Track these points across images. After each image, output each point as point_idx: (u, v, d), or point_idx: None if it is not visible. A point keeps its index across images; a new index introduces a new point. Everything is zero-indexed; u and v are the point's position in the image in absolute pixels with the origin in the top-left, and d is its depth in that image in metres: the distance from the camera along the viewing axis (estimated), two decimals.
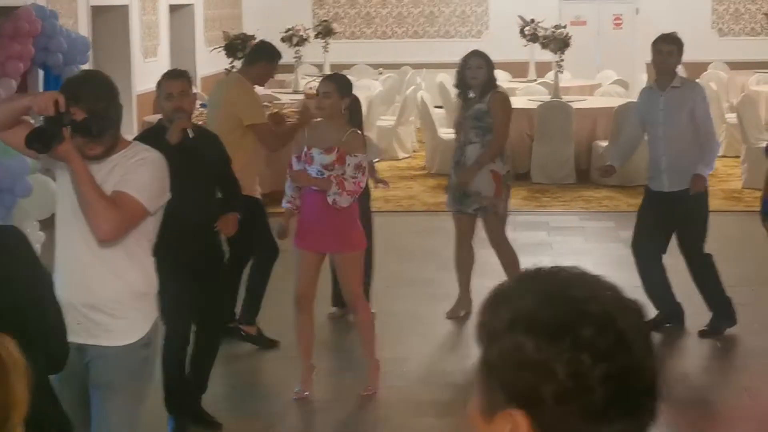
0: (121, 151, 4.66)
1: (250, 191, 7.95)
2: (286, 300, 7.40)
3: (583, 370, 1.54)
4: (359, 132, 7.20)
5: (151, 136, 6.59)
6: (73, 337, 4.23)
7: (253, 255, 8.26)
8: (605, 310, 1.58)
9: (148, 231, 4.73)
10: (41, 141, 4.35)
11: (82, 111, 4.49)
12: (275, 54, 8.60)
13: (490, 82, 8.78)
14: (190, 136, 6.44)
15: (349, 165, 6.93)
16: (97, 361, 4.67)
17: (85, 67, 12.85)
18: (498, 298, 1.65)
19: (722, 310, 8.45)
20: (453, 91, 17.36)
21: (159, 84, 6.65)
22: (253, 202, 7.97)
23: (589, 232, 12.06)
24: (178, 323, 6.54)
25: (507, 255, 8.91)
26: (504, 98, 8.90)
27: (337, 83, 7.08)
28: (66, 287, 4.57)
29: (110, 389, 4.67)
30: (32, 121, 4.72)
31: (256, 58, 8.54)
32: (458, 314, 8.99)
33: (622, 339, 1.57)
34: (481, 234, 9.02)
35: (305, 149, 7.03)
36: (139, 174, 4.60)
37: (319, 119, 7.14)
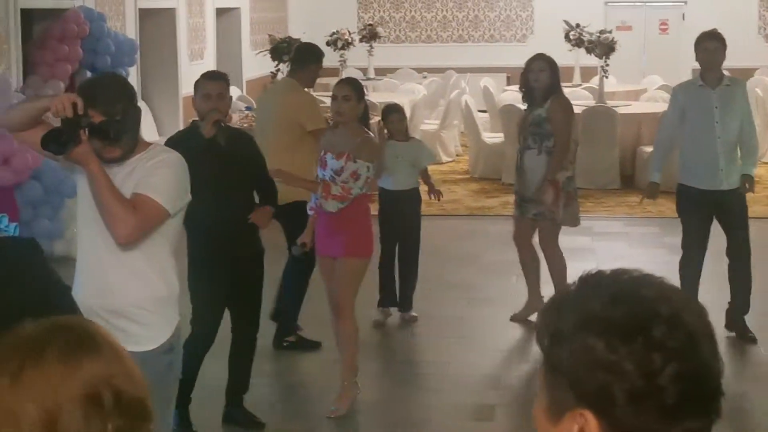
0: (140, 153, 4.62)
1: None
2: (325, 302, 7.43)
3: (655, 369, 1.57)
4: (373, 139, 7.07)
5: (185, 137, 6.68)
6: None
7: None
8: (675, 311, 1.61)
9: (169, 234, 4.69)
10: (58, 142, 4.29)
11: (100, 114, 4.44)
12: (322, 55, 8.62)
13: (553, 86, 8.66)
14: (222, 126, 6.51)
15: (345, 170, 6.78)
16: None
17: (133, 69, 12.97)
18: (562, 300, 1.68)
19: (746, 299, 8.43)
20: (497, 95, 17.54)
21: (197, 84, 6.68)
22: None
23: (633, 238, 12.02)
24: (207, 324, 6.61)
25: (556, 261, 8.90)
26: (564, 104, 8.78)
27: (355, 87, 7.00)
28: (87, 292, 4.58)
29: None
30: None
31: (307, 60, 8.49)
32: (525, 318, 8.89)
33: (692, 339, 1.60)
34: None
35: (321, 153, 6.96)
36: (158, 176, 4.56)
37: (337, 123, 6.97)
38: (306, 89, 8.52)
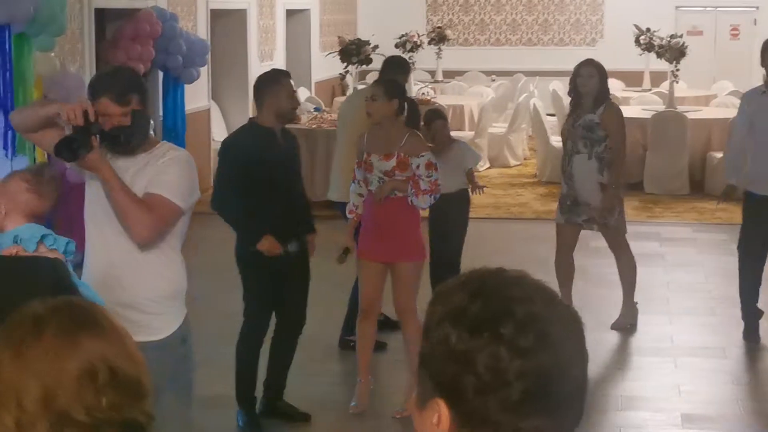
0: (151, 149, 4.65)
1: None
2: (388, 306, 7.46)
3: (501, 364, 1.61)
4: (418, 133, 7.07)
5: (245, 135, 6.75)
6: None
7: None
8: (531, 311, 1.65)
9: (178, 229, 4.72)
10: (69, 149, 4.28)
11: (114, 103, 4.45)
12: (409, 68, 8.75)
13: (603, 92, 8.66)
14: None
15: (418, 166, 6.77)
16: None
17: (204, 69, 13.08)
18: (438, 292, 1.73)
19: None
20: (566, 99, 17.46)
21: (278, 80, 6.71)
22: None
23: (702, 244, 11.94)
24: (260, 321, 6.73)
25: (626, 263, 8.89)
26: (618, 111, 8.81)
27: (384, 86, 6.98)
28: (98, 288, 4.56)
29: (155, 390, 4.68)
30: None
31: (395, 72, 8.44)
32: None
33: (545, 340, 1.63)
34: (588, 243, 8.98)
35: (364, 156, 6.93)
36: (169, 174, 4.58)
37: (376, 125, 6.94)
38: None
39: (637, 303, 8.95)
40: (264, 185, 6.53)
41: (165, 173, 4.57)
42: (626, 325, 8.88)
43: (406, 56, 17.62)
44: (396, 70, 8.55)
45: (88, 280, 4.64)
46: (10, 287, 2.94)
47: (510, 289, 1.67)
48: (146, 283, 4.65)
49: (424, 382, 1.69)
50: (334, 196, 8.52)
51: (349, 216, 7.12)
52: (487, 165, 16.25)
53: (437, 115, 9.11)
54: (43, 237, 4.08)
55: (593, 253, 9.28)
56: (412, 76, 18.07)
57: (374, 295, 7.09)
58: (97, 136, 4.35)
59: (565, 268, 8.95)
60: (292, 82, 6.80)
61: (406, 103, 7.05)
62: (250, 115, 15.79)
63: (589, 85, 8.59)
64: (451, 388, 1.64)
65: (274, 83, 6.69)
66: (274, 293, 6.72)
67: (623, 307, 8.94)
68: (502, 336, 1.62)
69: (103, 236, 4.68)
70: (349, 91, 17.54)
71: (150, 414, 1.96)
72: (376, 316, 7.30)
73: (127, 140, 4.48)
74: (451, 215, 8.89)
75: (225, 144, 6.81)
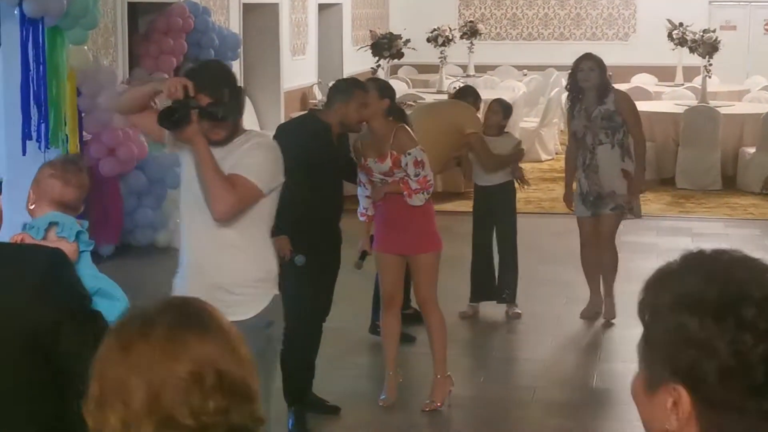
0: (238, 137, 4.85)
1: None
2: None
3: (745, 349, 1.61)
4: (405, 127, 7.01)
5: (302, 124, 6.78)
6: None
7: None
8: (767, 293, 1.64)
9: (264, 214, 4.89)
10: (170, 120, 4.59)
11: (207, 96, 4.69)
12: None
13: (604, 84, 8.72)
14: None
15: (407, 165, 6.78)
16: None
17: (236, 63, 13.13)
18: (662, 277, 1.72)
19: None
20: None
21: (350, 92, 6.64)
22: None
23: (734, 240, 11.88)
24: (303, 320, 6.62)
25: (613, 254, 8.92)
26: (628, 95, 8.99)
27: (378, 84, 7.02)
28: (189, 269, 4.89)
29: None
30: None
31: (470, 98, 9.01)
32: (591, 315, 9.00)
33: None
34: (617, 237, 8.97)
35: (362, 160, 6.93)
36: (253, 158, 4.78)
37: (366, 129, 6.89)
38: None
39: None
40: (302, 177, 6.28)
41: (249, 156, 4.77)
42: (592, 314, 8.98)
43: (437, 51, 17.67)
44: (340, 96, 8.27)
45: (183, 263, 4.92)
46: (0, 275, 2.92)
47: (740, 271, 1.67)
48: (234, 267, 4.83)
49: (656, 367, 1.69)
50: None
51: (361, 219, 7.16)
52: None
53: (495, 100, 9.42)
54: (51, 224, 4.03)
55: (621, 247, 9.25)
56: (444, 70, 18.12)
57: (394, 288, 7.13)
58: (196, 110, 4.61)
59: (591, 262, 8.97)
60: (369, 93, 6.75)
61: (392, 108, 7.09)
62: (282, 109, 15.88)
63: (590, 78, 8.63)
64: (692, 374, 1.64)
65: (346, 94, 6.66)
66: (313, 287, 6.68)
67: (609, 297, 8.96)
68: (744, 320, 1.62)
69: (195, 221, 4.88)
70: None
71: (259, 417, 1.93)
72: (399, 309, 7.31)
73: (225, 116, 4.71)
74: (500, 207, 8.96)
75: (279, 129, 6.80)
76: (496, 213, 9.05)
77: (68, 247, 3.84)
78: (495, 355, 8.10)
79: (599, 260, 9.00)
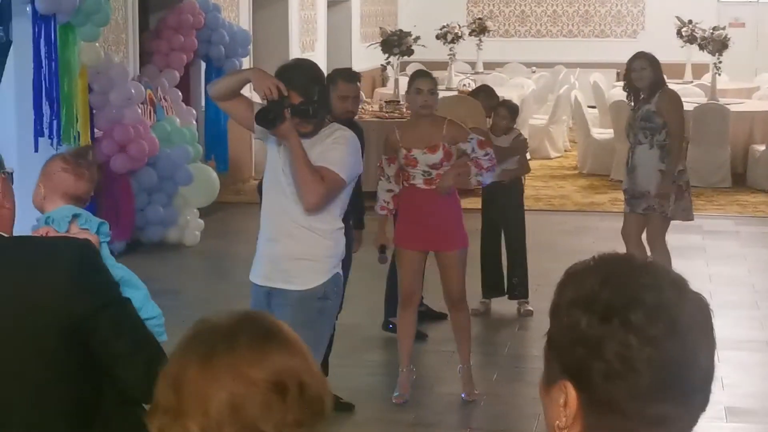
0: (324, 130, 5.31)
1: None
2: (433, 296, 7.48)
3: (630, 353, 1.61)
4: (452, 119, 7.08)
5: None
6: (261, 281, 5.38)
7: None
8: (661, 300, 1.64)
9: (340, 199, 5.35)
10: (266, 119, 5.06)
11: (298, 95, 5.15)
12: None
13: (658, 82, 8.70)
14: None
15: (473, 149, 6.86)
16: (278, 307, 5.28)
17: (246, 60, 13.14)
18: (566, 276, 1.73)
19: None
20: (606, 91, 17.41)
21: (333, 80, 6.79)
22: None
23: (744, 237, 11.88)
24: None
25: (662, 256, 8.85)
26: (673, 96, 8.84)
27: (433, 80, 7.09)
28: (264, 243, 5.44)
29: None
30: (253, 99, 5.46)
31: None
32: None
33: (673, 329, 1.63)
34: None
35: (404, 152, 6.88)
36: (337, 150, 5.23)
37: (408, 118, 7.00)
38: None
39: None
40: None
41: (333, 150, 5.22)
42: None
43: (446, 48, 17.65)
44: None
45: (259, 241, 5.47)
46: (32, 268, 2.95)
47: (640, 276, 1.67)
48: (305, 242, 5.29)
49: (552, 363, 1.71)
50: None
51: (381, 212, 7.12)
52: (528, 157, 16.21)
53: (502, 104, 9.47)
54: (74, 216, 4.06)
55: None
56: (453, 68, 18.11)
57: (414, 284, 7.11)
58: (289, 109, 5.06)
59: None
60: (354, 87, 6.89)
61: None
62: None
63: (643, 78, 8.62)
64: (579, 373, 1.65)
65: (329, 81, 6.71)
66: None
67: None
68: (631, 324, 1.62)
69: (272, 202, 5.38)
70: (390, 82, 17.57)
71: None
72: (417, 306, 7.32)
73: (315, 113, 5.17)
74: (508, 203, 9.00)
75: None
76: (504, 209, 9.08)
77: (92, 239, 3.87)
78: (507, 352, 8.10)
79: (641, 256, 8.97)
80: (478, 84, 17.04)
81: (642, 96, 8.70)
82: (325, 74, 6.52)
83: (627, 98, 9.03)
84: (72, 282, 2.92)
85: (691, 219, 9.03)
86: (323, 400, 1.92)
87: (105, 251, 4.02)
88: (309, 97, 5.16)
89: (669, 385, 1.63)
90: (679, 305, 1.66)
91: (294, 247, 5.30)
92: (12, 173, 3.16)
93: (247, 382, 1.84)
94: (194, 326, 1.94)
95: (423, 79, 7.04)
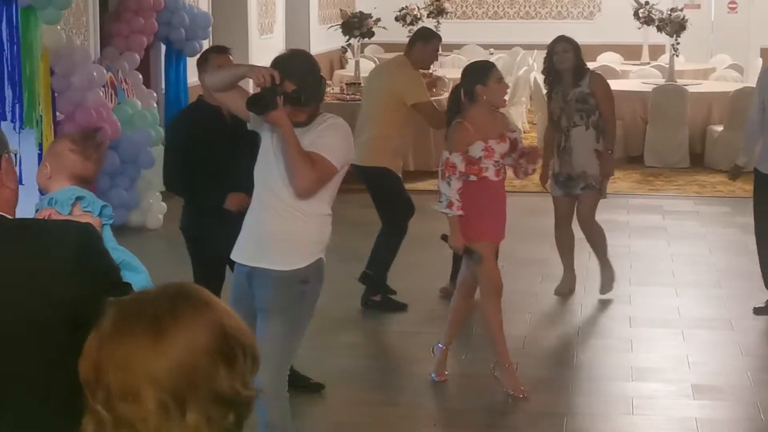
0: (315, 120, 5.35)
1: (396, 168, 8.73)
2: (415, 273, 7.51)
3: None
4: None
5: (194, 113, 6.89)
6: (243, 260, 5.40)
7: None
8: None
9: (331, 187, 5.38)
10: (258, 106, 5.13)
11: (292, 84, 5.19)
12: (429, 34, 8.92)
13: (580, 65, 8.83)
14: None
15: (516, 139, 6.98)
16: (259, 287, 5.33)
17: (205, 42, 13.08)
18: None
19: None
20: None
21: (206, 59, 6.78)
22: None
23: (705, 217, 12.00)
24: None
25: (597, 232, 9.04)
26: (604, 79, 9.07)
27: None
28: (251, 222, 5.46)
29: (268, 313, 5.30)
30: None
31: (412, 41, 8.92)
32: (565, 291, 9.09)
33: None
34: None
35: (482, 144, 6.82)
36: (329, 137, 5.28)
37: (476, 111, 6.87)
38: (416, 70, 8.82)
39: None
40: (208, 163, 6.67)
41: (325, 137, 5.27)
42: (566, 290, 9.10)
43: (405, 29, 17.64)
44: (416, 38, 8.98)
45: (245, 222, 5.49)
46: (33, 252, 2.96)
47: None
48: (291, 225, 5.32)
49: None
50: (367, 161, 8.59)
51: (456, 212, 6.83)
52: None
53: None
54: (77, 199, 4.05)
55: None
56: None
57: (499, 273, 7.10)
58: (281, 96, 5.13)
59: (566, 240, 9.14)
60: (226, 57, 6.82)
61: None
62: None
63: (565, 60, 8.72)
64: None
65: (203, 61, 6.82)
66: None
67: (604, 267, 9.10)
68: None
69: (263, 187, 5.41)
70: (349, 65, 17.55)
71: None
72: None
73: (307, 101, 5.24)
74: None
75: (170, 121, 6.97)
76: None
77: (94, 221, 3.87)
78: (476, 332, 8.15)
79: (570, 239, 9.11)
80: (437, 65, 17.11)
81: (561, 79, 8.80)
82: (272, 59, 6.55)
83: (545, 82, 9.16)
84: (73, 266, 2.93)
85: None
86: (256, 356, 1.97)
87: (107, 234, 4.01)
88: (302, 86, 5.23)
89: None
90: None
91: (280, 227, 5.34)
92: (17, 154, 3.16)
93: (199, 344, 1.89)
94: (119, 306, 1.96)
95: (497, 68, 7.08)
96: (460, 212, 6.80)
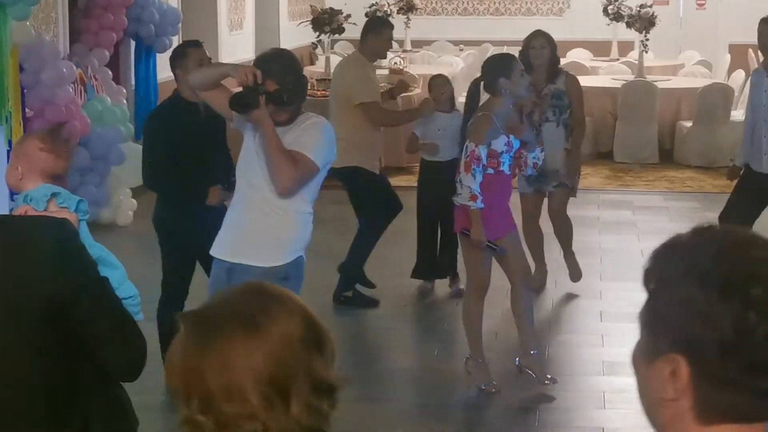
0: (297, 119, 5.44)
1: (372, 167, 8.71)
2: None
3: (748, 327, 1.62)
4: None
5: (171, 108, 6.87)
6: (225, 256, 5.47)
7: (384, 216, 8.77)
8: None
9: (311, 186, 5.45)
10: (240, 104, 5.21)
11: (274, 83, 5.28)
12: (379, 24, 8.88)
13: (555, 63, 8.88)
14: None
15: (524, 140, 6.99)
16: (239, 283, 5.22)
17: (175, 39, 13.04)
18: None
19: None
20: None
21: (185, 54, 6.79)
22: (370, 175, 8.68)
23: (674, 212, 12.06)
24: (181, 285, 6.82)
25: (568, 228, 9.11)
26: (577, 79, 9.12)
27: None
28: (232, 218, 5.55)
29: None
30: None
31: (363, 32, 8.92)
32: (537, 286, 9.07)
33: None
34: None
35: (505, 139, 6.81)
36: (311, 136, 5.35)
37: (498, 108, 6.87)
38: (372, 62, 8.89)
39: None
40: (189, 159, 6.68)
41: (307, 135, 5.35)
42: (537, 285, 9.03)
43: None
44: (367, 30, 9.00)
45: (226, 220, 5.60)
46: (10, 248, 2.96)
47: (753, 249, 1.68)
48: (274, 222, 5.40)
49: (655, 335, 1.71)
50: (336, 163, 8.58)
51: (479, 205, 6.72)
52: None
53: (439, 78, 9.36)
54: (53, 195, 4.05)
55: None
56: None
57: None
58: (264, 95, 5.21)
59: (535, 235, 9.13)
60: (203, 50, 6.85)
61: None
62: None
63: (542, 56, 8.73)
64: (692, 346, 1.66)
65: (180, 56, 6.83)
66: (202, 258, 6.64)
67: (571, 259, 9.22)
68: (751, 299, 1.63)
69: (245, 183, 5.48)
70: (319, 61, 17.53)
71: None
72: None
73: (289, 100, 5.32)
74: (446, 183, 8.96)
75: (147, 118, 6.95)
76: (441, 189, 9.04)
77: (71, 217, 3.85)
78: (446, 328, 8.16)
79: (539, 234, 9.14)
80: (407, 62, 17.13)
81: (535, 75, 8.65)
82: (255, 51, 6.56)
83: None
84: (50, 262, 2.93)
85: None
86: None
87: (84, 230, 4.00)
88: (284, 85, 5.29)
89: None
90: None
91: (263, 224, 5.41)
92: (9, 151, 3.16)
93: (293, 334, 2.01)
94: (206, 311, 2.01)
95: (518, 61, 7.12)
96: (482, 205, 6.71)
